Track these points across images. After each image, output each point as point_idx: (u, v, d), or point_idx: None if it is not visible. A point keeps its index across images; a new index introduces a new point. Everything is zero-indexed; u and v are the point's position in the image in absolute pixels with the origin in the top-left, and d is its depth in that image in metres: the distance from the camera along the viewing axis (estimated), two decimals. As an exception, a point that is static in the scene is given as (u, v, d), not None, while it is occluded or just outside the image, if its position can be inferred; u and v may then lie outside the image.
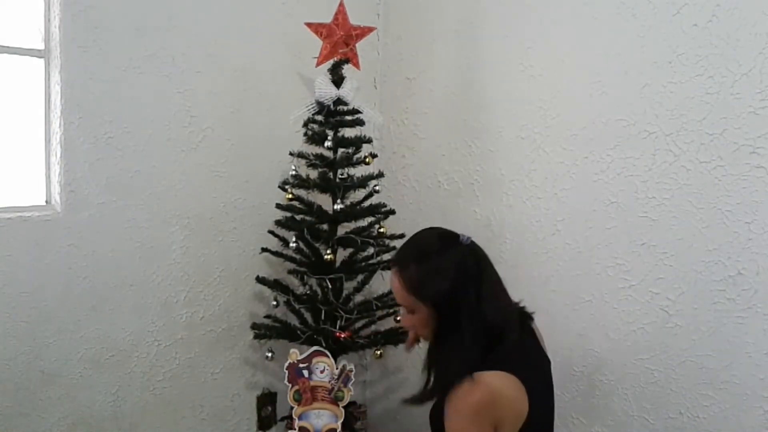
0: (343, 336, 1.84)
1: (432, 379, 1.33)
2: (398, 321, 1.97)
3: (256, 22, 2.05)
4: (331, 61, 1.87)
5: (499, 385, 1.22)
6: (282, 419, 2.10)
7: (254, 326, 1.98)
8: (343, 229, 1.95)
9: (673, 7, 1.57)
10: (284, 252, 1.95)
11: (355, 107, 1.89)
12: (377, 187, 1.93)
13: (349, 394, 1.81)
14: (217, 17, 1.96)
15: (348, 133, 1.90)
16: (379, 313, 1.95)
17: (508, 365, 1.24)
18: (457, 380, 1.23)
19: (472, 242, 1.31)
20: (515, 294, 1.86)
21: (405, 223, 2.20)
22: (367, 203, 1.94)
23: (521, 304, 1.46)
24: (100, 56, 1.75)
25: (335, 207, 1.83)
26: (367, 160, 1.88)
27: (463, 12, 2.08)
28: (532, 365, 1.35)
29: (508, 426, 1.23)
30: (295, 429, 1.82)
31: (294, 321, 1.97)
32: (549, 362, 1.43)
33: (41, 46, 1.74)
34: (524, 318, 1.43)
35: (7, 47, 1.72)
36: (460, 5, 2.09)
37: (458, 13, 2.09)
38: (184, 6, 1.89)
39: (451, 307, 1.27)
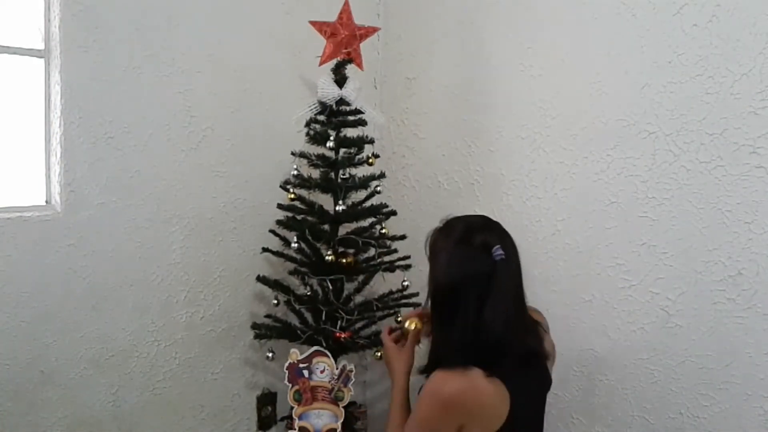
0: (343, 336, 1.84)
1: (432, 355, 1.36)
2: (399, 321, 1.97)
3: (256, 21, 2.05)
4: (334, 61, 1.87)
5: (483, 388, 1.22)
6: (282, 419, 2.10)
7: (254, 326, 1.98)
8: (344, 230, 1.95)
9: (673, 7, 1.57)
10: (285, 252, 1.95)
11: (358, 107, 1.89)
12: (378, 188, 1.93)
13: (349, 394, 1.81)
14: (217, 17, 1.96)
15: (350, 133, 1.90)
16: (380, 313, 1.95)
17: (506, 376, 1.24)
18: (447, 363, 1.25)
19: (502, 260, 1.27)
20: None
21: (405, 223, 2.20)
22: (368, 204, 1.94)
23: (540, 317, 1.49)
24: (100, 56, 1.75)
25: (337, 207, 1.83)
26: (370, 160, 1.88)
27: (463, 12, 2.08)
28: (530, 382, 1.35)
29: (474, 429, 1.24)
30: (295, 429, 1.81)
31: (294, 321, 1.97)
32: (550, 382, 1.44)
33: (41, 46, 1.74)
34: (535, 356, 1.40)
35: (7, 47, 1.71)
36: (460, 5, 2.09)
37: (458, 14, 2.10)
38: (184, 6, 1.89)
39: (442, 296, 1.31)
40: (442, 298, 1.32)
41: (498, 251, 1.27)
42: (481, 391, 1.22)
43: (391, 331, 1.56)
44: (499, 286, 1.26)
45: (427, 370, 1.35)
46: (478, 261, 1.27)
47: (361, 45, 1.90)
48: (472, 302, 1.26)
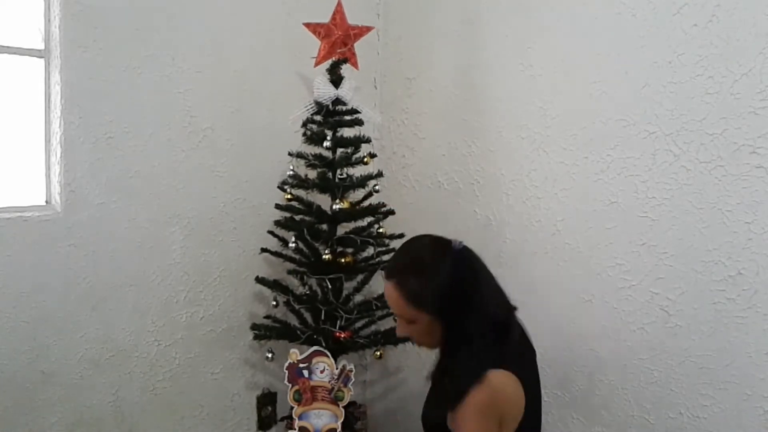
0: (343, 336, 1.84)
1: (450, 387, 1.30)
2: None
3: (255, 22, 2.05)
4: (330, 61, 1.87)
5: (500, 385, 1.24)
6: (282, 419, 2.10)
7: (254, 326, 1.98)
8: (342, 229, 1.95)
9: (673, 7, 1.57)
10: (284, 252, 1.95)
11: (354, 107, 1.89)
12: (377, 187, 1.93)
13: (349, 394, 1.81)
14: (217, 17, 1.96)
15: (347, 133, 1.90)
16: (379, 313, 1.95)
17: (511, 364, 1.27)
18: (473, 382, 1.24)
19: (465, 247, 1.32)
20: (515, 294, 1.86)
21: (405, 223, 2.19)
22: (366, 203, 1.94)
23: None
24: (100, 56, 1.75)
25: (334, 207, 1.83)
26: (365, 160, 1.88)
27: (463, 12, 2.08)
28: (527, 362, 1.38)
29: (510, 421, 1.27)
30: (295, 429, 1.81)
31: (294, 321, 1.97)
32: (535, 353, 1.45)
33: (41, 46, 1.74)
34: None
35: (7, 47, 1.72)
36: (460, 5, 2.09)
37: (458, 13, 2.09)
38: (184, 6, 1.89)
39: (453, 313, 1.28)
40: (450, 318, 1.29)
41: (455, 242, 1.31)
42: (506, 390, 1.25)
43: None
44: (480, 274, 1.31)
45: (453, 403, 1.30)
46: (453, 262, 1.29)
47: (362, 45, 1.90)
48: (476, 304, 1.28)
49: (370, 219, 1.95)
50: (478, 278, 1.31)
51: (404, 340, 1.97)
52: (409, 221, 2.22)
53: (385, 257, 1.94)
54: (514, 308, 1.41)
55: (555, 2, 1.82)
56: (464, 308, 1.28)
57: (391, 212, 1.98)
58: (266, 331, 1.94)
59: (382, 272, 1.45)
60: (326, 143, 1.84)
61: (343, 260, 1.85)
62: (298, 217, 1.91)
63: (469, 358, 1.27)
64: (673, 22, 1.57)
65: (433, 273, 1.28)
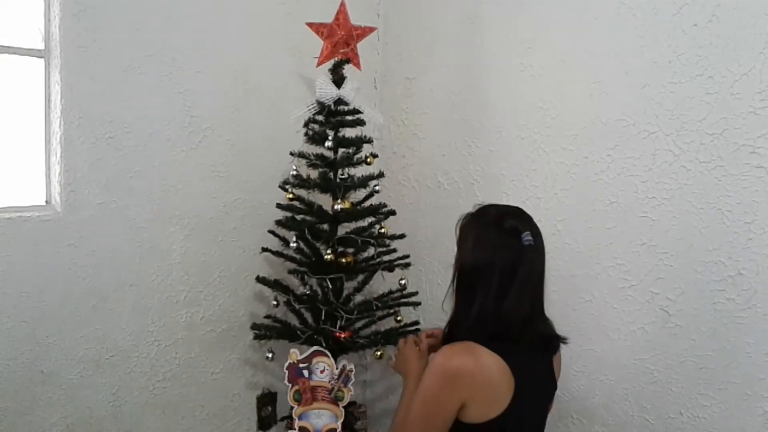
0: (343, 336, 1.84)
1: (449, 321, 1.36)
2: (398, 321, 1.97)
3: (256, 22, 2.05)
4: (332, 61, 1.87)
5: (489, 365, 1.21)
6: (282, 419, 2.10)
7: (254, 326, 1.98)
8: (343, 229, 1.95)
9: (673, 7, 1.57)
10: (285, 252, 1.96)
11: (356, 107, 1.89)
12: (377, 188, 1.93)
13: (349, 394, 1.81)
14: (217, 17, 1.96)
15: (348, 133, 1.90)
16: (380, 313, 1.95)
17: (512, 359, 1.23)
18: (457, 336, 1.27)
19: (531, 245, 1.25)
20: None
21: (405, 223, 2.20)
22: (367, 203, 1.94)
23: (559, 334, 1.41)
24: (100, 56, 1.75)
25: (336, 207, 1.83)
26: (368, 160, 1.88)
27: (463, 12, 2.08)
28: (534, 377, 1.31)
29: (476, 408, 1.22)
30: (295, 429, 1.82)
31: (294, 321, 1.97)
32: (554, 389, 1.40)
33: (41, 46, 1.74)
34: (550, 343, 1.38)
35: (7, 47, 1.72)
36: (460, 5, 2.09)
37: (458, 13, 2.10)
38: (184, 6, 1.89)
39: (466, 275, 1.31)
40: (466, 276, 1.31)
41: (527, 236, 1.26)
42: (486, 367, 1.21)
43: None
44: (524, 274, 1.25)
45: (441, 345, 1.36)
46: (506, 244, 1.26)
47: (362, 45, 1.90)
48: (495, 284, 1.25)
49: (371, 219, 1.95)
50: (513, 276, 1.24)
51: (405, 336, 1.98)
52: (409, 221, 2.23)
53: (386, 257, 1.94)
54: (556, 344, 1.37)
55: (555, 2, 1.82)
56: (480, 283, 1.26)
57: (392, 212, 1.98)
58: (266, 331, 1.94)
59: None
60: (328, 143, 1.84)
61: (343, 260, 1.86)
62: (299, 217, 1.92)
63: (465, 314, 1.28)
64: (673, 22, 1.57)
65: (485, 238, 1.29)
